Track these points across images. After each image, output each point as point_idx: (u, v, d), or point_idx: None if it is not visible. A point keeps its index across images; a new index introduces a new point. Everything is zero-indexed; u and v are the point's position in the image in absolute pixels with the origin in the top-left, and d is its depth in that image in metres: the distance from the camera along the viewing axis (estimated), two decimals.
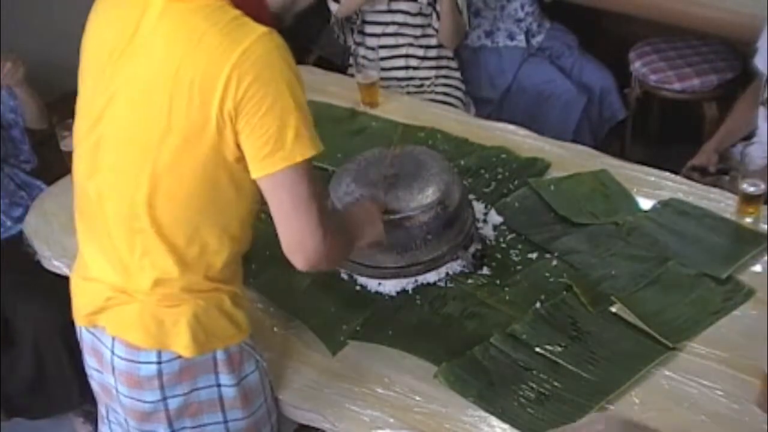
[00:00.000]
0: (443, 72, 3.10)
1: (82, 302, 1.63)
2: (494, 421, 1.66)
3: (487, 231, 2.08)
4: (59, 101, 2.56)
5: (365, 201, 1.88)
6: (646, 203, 2.13)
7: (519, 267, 1.98)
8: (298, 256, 1.53)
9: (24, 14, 3.23)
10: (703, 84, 3.12)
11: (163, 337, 1.55)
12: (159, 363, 1.56)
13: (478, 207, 2.13)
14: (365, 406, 1.72)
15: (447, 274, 1.97)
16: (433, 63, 3.07)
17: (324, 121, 2.54)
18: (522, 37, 3.30)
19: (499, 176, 2.26)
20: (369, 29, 3.03)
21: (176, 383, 1.58)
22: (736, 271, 1.90)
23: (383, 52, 3.02)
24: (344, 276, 2.00)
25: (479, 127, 2.51)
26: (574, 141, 2.60)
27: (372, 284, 1.97)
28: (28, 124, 2.74)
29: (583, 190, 2.18)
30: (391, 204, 1.91)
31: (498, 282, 1.95)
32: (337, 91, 2.69)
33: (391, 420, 1.69)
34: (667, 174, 2.22)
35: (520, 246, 2.04)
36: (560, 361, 1.74)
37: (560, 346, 1.77)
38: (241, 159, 1.47)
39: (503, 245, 2.04)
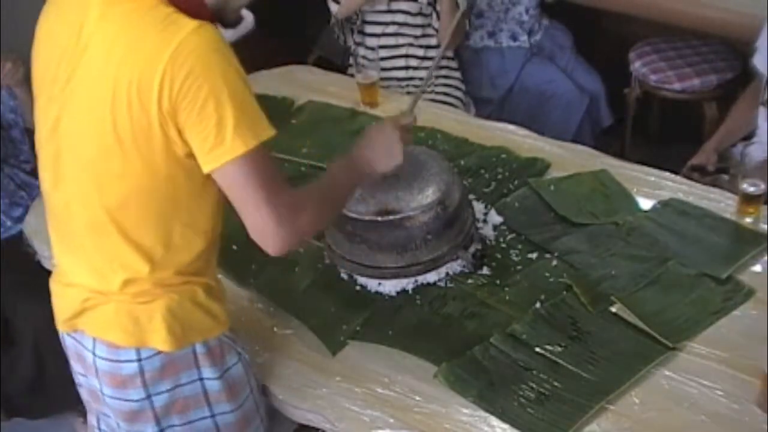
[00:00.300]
0: (443, 72, 3.10)
1: (61, 308, 1.64)
2: (494, 421, 1.66)
3: (487, 231, 2.08)
4: None
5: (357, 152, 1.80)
6: (646, 203, 2.13)
7: (519, 267, 1.98)
8: (263, 243, 1.52)
9: (24, 14, 3.23)
10: (703, 84, 3.12)
11: (141, 333, 1.56)
12: (139, 360, 1.57)
13: (478, 207, 2.13)
14: (365, 406, 1.72)
15: (447, 274, 1.97)
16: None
17: (324, 121, 2.55)
18: (525, 37, 3.30)
19: (499, 176, 2.26)
20: (369, 29, 3.03)
21: (159, 380, 1.59)
22: (736, 271, 1.90)
23: (383, 52, 3.02)
24: (344, 276, 2.00)
25: (479, 127, 2.51)
26: (575, 141, 2.60)
27: (372, 284, 1.97)
28: (28, 125, 2.74)
29: (583, 190, 2.18)
30: (391, 204, 1.91)
31: (498, 282, 1.95)
32: (337, 91, 2.69)
33: (391, 420, 1.69)
34: (667, 174, 2.22)
35: (520, 246, 2.04)
36: (560, 361, 1.74)
37: (560, 346, 1.77)
38: (191, 154, 1.46)
39: (503, 245, 2.04)
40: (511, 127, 2.47)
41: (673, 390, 1.68)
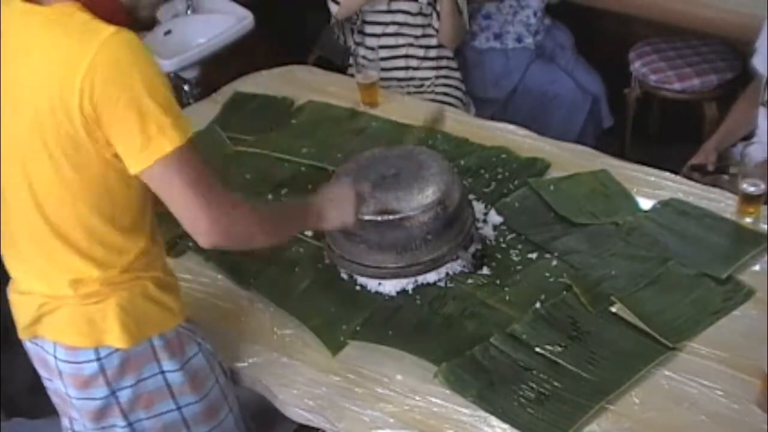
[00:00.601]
0: (443, 72, 3.10)
1: (20, 316, 1.66)
2: (494, 421, 1.66)
3: (487, 231, 2.08)
4: None
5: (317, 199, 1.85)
6: (646, 203, 2.13)
7: (519, 267, 1.98)
8: (194, 234, 1.54)
9: None
10: (703, 84, 3.12)
11: (97, 333, 1.58)
12: (99, 360, 1.59)
13: (478, 207, 2.13)
14: (365, 406, 1.72)
15: (447, 274, 1.97)
16: (433, 63, 3.07)
17: (324, 121, 2.55)
18: (530, 39, 3.30)
19: (499, 176, 2.26)
20: (369, 29, 3.03)
21: (121, 377, 1.61)
22: (736, 271, 1.90)
23: (383, 53, 3.02)
24: (344, 276, 2.00)
25: (479, 127, 2.51)
26: (578, 142, 2.61)
27: (372, 284, 1.97)
28: None
29: (583, 190, 2.18)
30: (391, 204, 1.91)
31: (498, 282, 1.95)
32: (337, 91, 2.69)
33: (391, 420, 1.69)
34: (667, 174, 2.22)
35: (520, 246, 2.03)
36: (560, 361, 1.74)
37: (560, 346, 1.77)
38: (118, 155, 1.48)
39: (503, 245, 2.04)
40: (511, 127, 2.47)
41: (673, 390, 1.68)
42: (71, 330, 1.59)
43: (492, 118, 2.72)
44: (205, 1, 3.43)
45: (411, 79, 3.06)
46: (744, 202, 2.04)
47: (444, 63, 3.11)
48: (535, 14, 3.27)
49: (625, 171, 2.24)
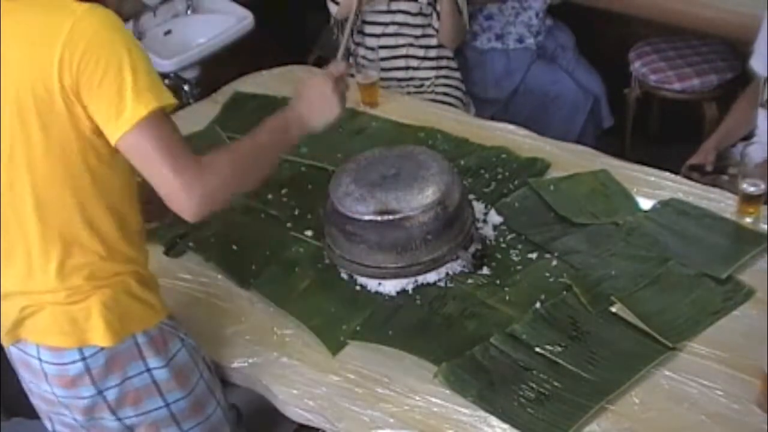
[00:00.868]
0: (443, 72, 3.10)
1: (1, 321, 1.65)
2: (494, 421, 1.66)
3: (487, 231, 2.08)
4: None
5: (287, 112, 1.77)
6: (646, 203, 2.13)
7: (519, 267, 1.98)
8: (176, 209, 1.53)
9: None
10: (703, 84, 3.12)
11: (80, 333, 1.58)
12: (84, 359, 1.59)
13: (478, 207, 2.13)
14: (365, 406, 1.72)
15: (447, 274, 1.97)
16: (433, 63, 3.07)
17: None
18: (531, 40, 3.30)
19: (499, 176, 2.26)
20: (369, 29, 3.03)
21: (106, 375, 1.62)
22: (736, 271, 1.90)
23: (383, 53, 3.02)
24: (344, 276, 2.00)
25: (479, 127, 2.51)
26: (578, 142, 2.60)
27: (372, 284, 1.97)
28: None
29: (583, 190, 2.18)
30: (391, 204, 1.91)
31: (498, 282, 1.95)
32: None
33: (391, 420, 1.69)
34: (667, 174, 2.22)
35: (520, 246, 2.03)
36: (560, 361, 1.74)
37: (560, 346, 1.77)
38: (98, 131, 1.49)
39: (503, 245, 2.04)
40: (511, 127, 2.47)
41: (673, 390, 1.68)
42: (54, 331, 1.59)
43: (493, 119, 2.72)
44: (205, 1, 3.43)
45: (411, 79, 3.06)
46: (744, 202, 2.04)
47: (444, 63, 3.10)
48: (537, 15, 3.27)
49: (625, 171, 2.24)
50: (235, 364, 1.85)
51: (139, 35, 3.09)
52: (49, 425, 1.79)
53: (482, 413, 1.67)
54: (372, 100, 2.60)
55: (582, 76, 3.30)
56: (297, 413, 1.77)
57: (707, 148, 2.45)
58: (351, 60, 3.09)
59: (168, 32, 3.27)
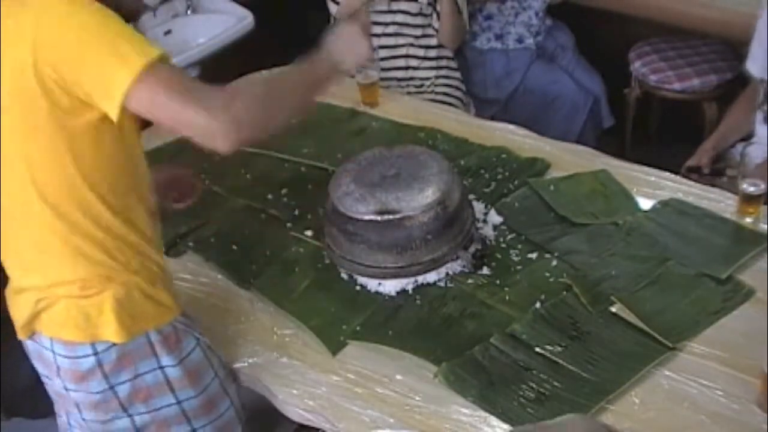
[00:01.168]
0: (443, 72, 3.10)
1: (17, 315, 1.66)
2: (494, 421, 1.66)
3: (487, 231, 2.08)
4: None
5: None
6: (646, 203, 2.13)
7: (519, 267, 1.98)
8: (209, 143, 1.46)
9: None
10: (703, 84, 3.12)
11: (93, 328, 1.59)
12: (96, 354, 1.60)
13: (478, 207, 2.13)
14: (365, 406, 1.72)
15: (447, 274, 1.97)
16: (433, 63, 3.07)
17: (324, 121, 2.55)
18: (531, 40, 3.30)
19: (499, 176, 2.26)
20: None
21: (118, 371, 1.62)
22: (736, 271, 1.90)
23: (383, 52, 3.02)
24: (344, 276, 2.00)
25: (479, 127, 2.51)
26: (578, 142, 2.60)
27: (372, 284, 1.97)
28: None
29: (583, 190, 2.18)
30: (391, 204, 1.91)
31: (498, 282, 1.95)
32: (337, 91, 2.66)
33: (391, 420, 1.69)
34: (667, 174, 2.22)
35: (520, 246, 2.03)
36: (560, 361, 1.74)
37: (560, 346, 1.77)
38: (79, 108, 1.45)
39: (503, 245, 2.04)
40: (511, 127, 2.47)
41: (673, 390, 1.68)
42: (68, 325, 1.59)
43: (493, 119, 2.72)
44: (205, 1, 3.43)
45: (411, 79, 3.06)
46: (744, 202, 2.04)
47: (444, 63, 3.11)
48: (536, 15, 3.27)
49: (625, 171, 2.24)
50: (235, 364, 1.85)
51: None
52: (64, 418, 1.78)
53: (482, 413, 1.67)
54: (372, 100, 2.60)
55: (582, 76, 3.30)
56: (297, 413, 1.77)
57: (704, 150, 2.45)
58: None
59: (168, 32, 3.27)
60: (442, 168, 1.99)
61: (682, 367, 1.72)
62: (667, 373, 1.71)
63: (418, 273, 1.95)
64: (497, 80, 3.30)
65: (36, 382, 2.54)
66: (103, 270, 1.58)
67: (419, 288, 1.95)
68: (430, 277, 1.96)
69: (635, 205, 2.13)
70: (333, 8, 2.98)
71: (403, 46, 3.04)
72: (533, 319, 1.83)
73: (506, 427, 1.64)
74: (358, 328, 1.88)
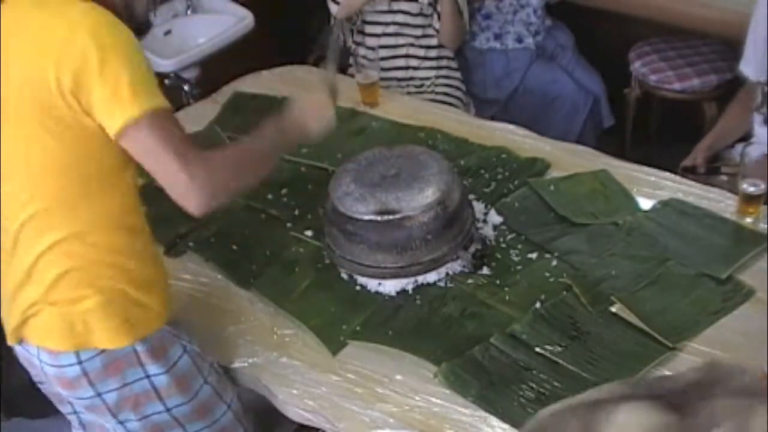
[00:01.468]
0: (443, 72, 3.10)
1: (7, 320, 1.67)
2: (494, 421, 1.66)
3: (487, 231, 2.08)
4: None
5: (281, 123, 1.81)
6: (646, 203, 2.13)
7: (519, 267, 1.98)
8: (182, 202, 1.53)
9: None
10: (703, 84, 3.12)
11: (77, 336, 1.58)
12: (80, 363, 1.60)
13: (478, 207, 2.13)
14: (365, 406, 1.72)
15: (447, 274, 1.97)
16: (433, 63, 3.07)
17: None
18: (530, 39, 3.30)
19: (499, 176, 2.26)
20: (369, 29, 3.03)
21: (104, 379, 1.62)
22: (736, 271, 1.90)
23: (383, 52, 3.02)
24: (344, 276, 2.00)
25: (479, 127, 2.51)
26: (578, 142, 2.60)
27: (372, 284, 1.97)
28: None
29: (583, 190, 2.18)
30: (391, 204, 1.91)
31: (498, 282, 1.95)
32: None
33: (391, 420, 1.69)
34: (667, 174, 2.22)
35: (520, 246, 2.03)
36: (560, 361, 1.74)
37: (560, 346, 1.77)
38: (100, 129, 1.49)
39: (503, 245, 2.04)
40: (511, 127, 2.47)
41: None
42: (53, 334, 1.59)
43: (493, 119, 2.72)
44: (205, 1, 3.43)
45: (411, 79, 3.06)
46: (744, 202, 2.04)
47: (444, 63, 3.11)
48: (535, 12, 3.27)
49: (625, 171, 2.24)
50: (235, 364, 1.85)
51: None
52: (69, 408, 1.79)
53: (482, 413, 1.67)
54: (372, 100, 2.60)
55: (582, 76, 3.30)
56: (297, 413, 1.77)
57: (699, 150, 2.44)
58: (351, 60, 3.09)
59: (168, 32, 3.27)
60: (442, 168, 1.99)
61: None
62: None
63: (418, 273, 1.95)
64: (497, 80, 3.30)
65: (35, 382, 2.55)
66: (87, 276, 1.58)
67: (419, 288, 1.95)
68: (430, 277, 1.96)
69: (635, 205, 2.13)
70: (333, 8, 2.98)
71: (403, 46, 3.04)
72: (533, 319, 1.83)
73: (506, 426, 1.64)
74: (358, 328, 1.88)
